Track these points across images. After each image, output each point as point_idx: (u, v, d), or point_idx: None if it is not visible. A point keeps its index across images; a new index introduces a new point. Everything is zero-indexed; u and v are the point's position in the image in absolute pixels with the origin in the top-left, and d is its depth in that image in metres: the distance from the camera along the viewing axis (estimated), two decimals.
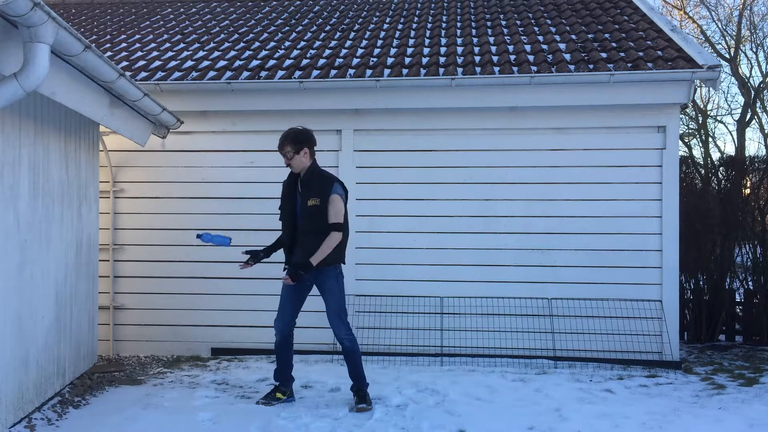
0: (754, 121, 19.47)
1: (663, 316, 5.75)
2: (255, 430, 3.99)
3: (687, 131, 19.55)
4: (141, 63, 6.57)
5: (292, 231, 4.37)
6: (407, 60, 6.32)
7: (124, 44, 7.40)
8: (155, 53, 6.95)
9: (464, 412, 4.35)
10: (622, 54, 6.08)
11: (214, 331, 6.07)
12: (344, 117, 6.03)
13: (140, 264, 6.11)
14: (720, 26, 20.42)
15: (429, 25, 7.73)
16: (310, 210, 4.27)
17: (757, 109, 19.20)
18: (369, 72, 6.03)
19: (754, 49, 19.77)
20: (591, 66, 5.80)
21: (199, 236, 4.62)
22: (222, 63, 6.45)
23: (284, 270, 4.48)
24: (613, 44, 6.41)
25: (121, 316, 6.09)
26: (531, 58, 6.16)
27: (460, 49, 6.60)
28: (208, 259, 6.06)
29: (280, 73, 6.08)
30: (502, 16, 7.89)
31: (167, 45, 7.27)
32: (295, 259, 4.35)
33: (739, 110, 19.58)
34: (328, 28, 7.83)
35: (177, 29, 8.04)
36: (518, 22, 7.56)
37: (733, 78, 19.67)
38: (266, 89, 5.93)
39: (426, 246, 5.97)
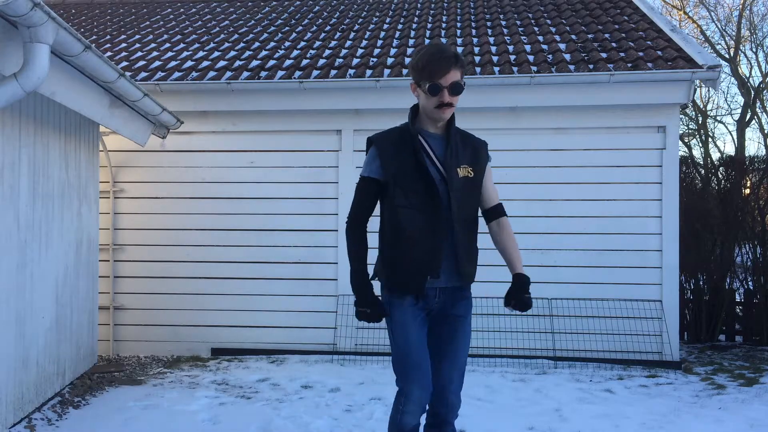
0: (753, 121, 19.47)
1: (663, 316, 5.75)
2: (255, 430, 3.98)
3: (687, 131, 19.55)
4: (141, 63, 6.58)
5: (435, 222, 2.50)
6: (407, 60, 6.32)
7: (124, 44, 7.40)
8: (155, 53, 6.95)
9: (464, 412, 4.33)
10: (622, 54, 6.08)
11: (214, 331, 6.07)
12: (344, 117, 6.03)
13: (140, 264, 6.11)
14: (719, 26, 20.43)
15: (429, 25, 7.73)
16: (463, 184, 2.56)
17: (757, 109, 19.20)
18: (369, 72, 6.03)
19: (754, 49, 19.79)
20: (591, 66, 5.80)
21: None
22: (222, 63, 6.45)
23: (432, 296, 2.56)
24: (613, 44, 6.41)
25: (121, 316, 6.09)
26: (531, 58, 6.16)
27: (460, 49, 6.60)
28: (208, 259, 6.06)
29: (280, 73, 6.08)
30: (502, 16, 7.90)
31: (167, 45, 7.27)
32: (460, 267, 2.55)
33: (739, 110, 19.58)
34: (328, 28, 7.83)
35: (177, 29, 8.04)
36: (518, 22, 7.56)
37: (732, 78, 19.68)
38: (266, 89, 5.93)
39: None
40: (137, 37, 7.73)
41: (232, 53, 6.82)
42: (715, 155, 20.95)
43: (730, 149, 22.33)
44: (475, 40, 6.93)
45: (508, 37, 6.98)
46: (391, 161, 2.52)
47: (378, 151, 2.54)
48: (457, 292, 2.59)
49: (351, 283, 2.55)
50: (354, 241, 2.58)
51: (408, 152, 2.52)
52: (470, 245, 2.62)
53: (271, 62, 6.45)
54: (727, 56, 19.34)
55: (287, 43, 7.14)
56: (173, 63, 6.53)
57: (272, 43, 7.19)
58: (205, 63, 6.45)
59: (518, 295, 2.51)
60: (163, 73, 6.20)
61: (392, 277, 2.56)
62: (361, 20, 8.17)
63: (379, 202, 2.64)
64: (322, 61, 6.39)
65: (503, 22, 7.61)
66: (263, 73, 6.09)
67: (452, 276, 2.56)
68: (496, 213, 2.69)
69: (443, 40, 6.99)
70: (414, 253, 2.51)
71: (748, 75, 20.35)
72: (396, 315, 2.55)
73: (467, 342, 2.62)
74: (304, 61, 6.38)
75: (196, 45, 7.21)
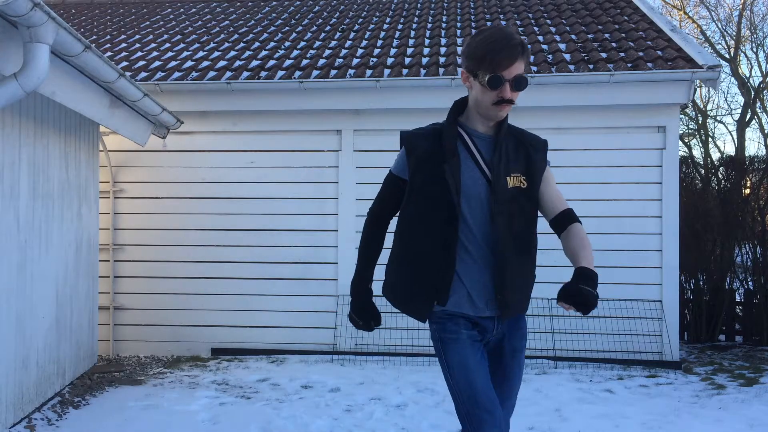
0: (753, 121, 19.48)
1: (663, 316, 5.75)
2: (255, 430, 3.98)
3: (687, 131, 19.56)
4: (141, 63, 6.58)
5: (449, 237, 2.11)
6: (407, 60, 6.32)
7: (124, 44, 7.40)
8: (155, 53, 6.95)
9: None
10: (622, 54, 6.08)
11: (214, 331, 6.07)
12: (344, 117, 6.03)
13: (140, 264, 6.11)
14: (720, 26, 20.45)
15: (429, 25, 7.73)
16: (513, 197, 2.15)
17: (757, 109, 19.20)
18: (369, 72, 6.03)
19: (754, 49, 19.79)
20: (591, 66, 5.80)
21: None
22: (222, 63, 6.45)
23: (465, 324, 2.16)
24: (613, 44, 6.41)
25: (121, 316, 6.09)
26: (531, 58, 6.16)
27: (459, 49, 6.60)
28: (208, 259, 6.06)
29: (280, 73, 6.08)
30: (502, 16, 7.90)
31: (167, 45, 7.27)
32: (504, 294, 2.14)
33: (739, 110, 19.59)
34: (328, 28, 7.83)
35: (177, 29, 8.04)
36: (518, 22, 7.56)
37: (732, 78, 19.69)
38: (266, 89, 5.93)
39: None
40: (137, 37, 7.73)
41: (232, 53, 6.82)
42: (715, 155, 20.98)
43: (730, 149, 22.35)
44: None
45: None
46: (418, 162, 2.15)
47: (407, 149, 2.20)
48: (513, 324, 2.25)
49: (351, 283, 2.32)
50: (365, 237, 2.33)
51: (440, 155, 2.12)
52: (522, 269, 2.18)
53: (271, 62, 6.45)
54: (727, 56, 19.34)
55: (287, 43, 7.14)
56: (173, 63, 6.53)
57: (272, 43, 7.19)
58: (205, 63, 6.45)
59: (574, 288, 2.05)
60: (163, 73, 6.20)
61: (392, 296, 2.27)
62: (361, 20, 8.18)
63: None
64: (322, 61, 6.39)
65: (503, 23, 7.61)
66: (263, 73, 6.09)
67: (495, 304, 2.16)
68: (564, 220, 2.21)
69: (443, 40, 6.99)
70: (419, 271, 2.17)
71: (748, 75, 20.38)
72: (452, 355, 2.14)
73: (521, 376, 2.32)
74: (304, 61, 6.38)
75: (196, 45, 7.21)
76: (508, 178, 2.13)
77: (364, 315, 2.27)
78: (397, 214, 2.31)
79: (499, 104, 2.11)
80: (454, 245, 2.11)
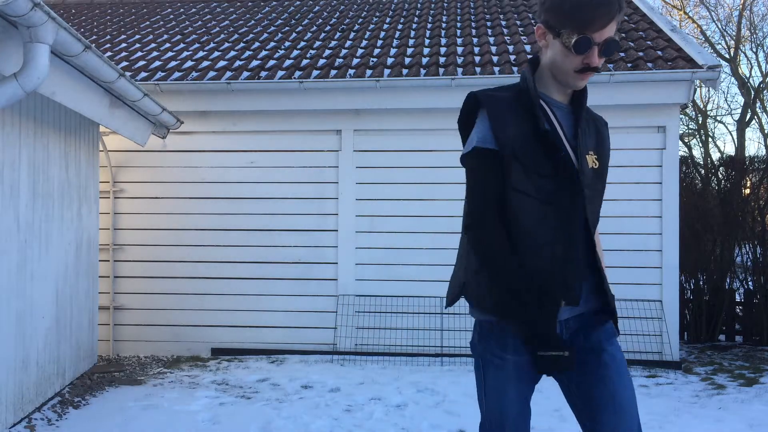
0: (753, 121, 19.48)
1: (663, 316, 5.75)
2: (255, 430, 3.98)
3: (687, 131, 19.56)
4: (141, 63, 6.58)
5: (570, 220, 1.76)
6: (407, 60, 6.32)
7: (124, 44, 7.40)
8: (155, 53, 6.95)
9: (464, 412, 4.35)
10: (622, 54, 6.08)
11: (214, 331, 6.07)
12: (344, 117, 6.03)
13: (140, 264, 6.11)
14: (720, 26, 20.44)
15: (429, 25, 7.73)
16: (592, 178, 1.83)
17: (757, 109, 19.20)
18: (369, 72, 6.03)
19: (754, 49, 19.80)
20: None
21: None
22: (222, 63, 6.45)
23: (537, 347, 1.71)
24: None
25: (121, 316, 6.09)
26: (531, 58, 6.16)
27: (460, 49, 6.60)
28: (208, 259, 6.06)
29: (280, 73, 6.08)
30: (502, 17, 7.90)
31: (167, 45, 7.27)
32: (604, 282, 1.83)
33: (739, 110, 19.59)
34: (328, 28, 7.83)
35: (177, 29, 8.04)
36: (518, 22, 7.56)
37: (732, 78, 19.69)
38: (266, 89, 5.93)
39: (426, 246, 5.97)
40: (137, 37, 7.73)
41: (232, 53, 6.82)
42: (715, 155, 21.01)
43: (730, 149, 22.36)
44: (475, 40, 6.93)
45: (508, 37, 6.98)
46: (507, 126, 1.72)
47: (488, 112, 1.74)
48: (590, 318, 1.81)
49: (518, 311, 1.70)
50: (498, 247, 1.71)
51: (528, 120, 1.73)
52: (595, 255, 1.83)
53: (271, 62, 6.45)
54: (727, 56, 19.34)
55: (287, 43, 7.14)
56: (173, 63, 6.53)
57: (272, 43, 7.19)
58: (205, 63, 6.45)
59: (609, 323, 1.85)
60: (163, 73, 6.20)
61: (489, 301, 1.76)
62: (361, 20, 8.18)
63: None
64: (322, 61, 6.39)
65: (503, 22, 7.61)
66: (263, 73, 6.09)
67: (589, 297, 1.80)
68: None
69: (443, 40, 6.99)
70: (538, 263, 1.71)
71: (748, 75, 20.43)
72: (491, 376, 1.80)
73: (628, 381, 1.76)
74: (304, 61, 6.38)
75: (196, 45, 7.21)
76: (587, 156, 1.81)
77: (572, 349, 1.69)
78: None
79: (583, 72, 1.72)
80: (579, 230, 1.75)
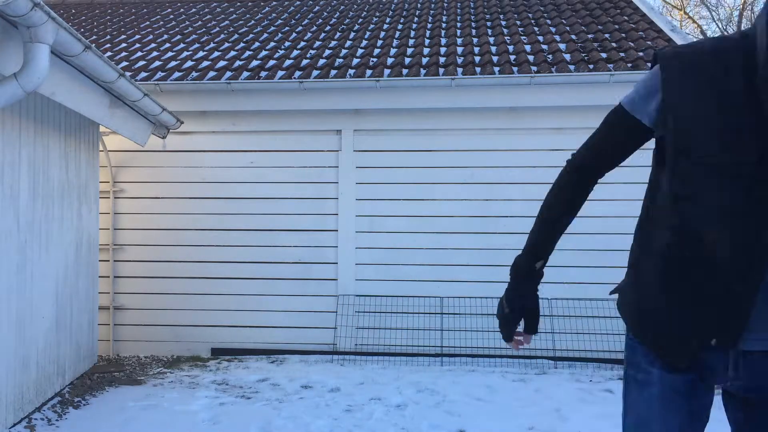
0: None
1: None
2: (255, 430, 3.99)
3: None
4: (141, 63, 6.58)
5: (757, 236, 1.30)
6: (407, 60, 6.33)
7: (124, 44, 7.40)
8: (155, 53, 6.95)
9: (464, 412, 4.35)
10: (622, 54, 6.08)
11: (214, 331, 6.07)
12: (344, 117, 6.03)
13: (140, 264, 6.11)
14: (720, 26, 20.45)
15: (429, 25, 7.74)
16: None
17: None
18: (369, 72, 6.03)
19: None
20: (591, 66, 5.80)
21: None
22: (222, 63, 6.45)
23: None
24: (613, 44, 6.41)
25: (121, 316, 6.09)
26: (531, 58, 6.16)
27: (460, 49, 6.60)
28: (208, 259, 6.06)
29: (280, 73, 6.09)
30: (502, 16, 7.90)
31: (167, 45, 7.27)
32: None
33: None
34: (328, 28, 7.83)
35: (177, 29, 8.05)
36: (518, 22, 7.56)
37: None
38: (266, 89, 5.93)
39: (426, 246, 5.97)
40: (137, 37, 7.73)
41: (232, 53, 6.82)
42: None
43: None
44: (475, 40, 6.93)
45: (508, 37, 6.98)
46: (685, 95, 1.33)
47: (665, 73, 1.37)
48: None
49: (514, 260, 1.67)
50: (555, 191, 1.65)
51: (733, 86, 1.28)
52: None
53: (271, 62, 6.45)
54: None
55: (287, 43, 7.15)
56: (173, 63, 6.53)
57: (272, 43, 7.19)
58: (205, 63, 6.45)
59: None
60: (163, 73, 6.20)
61: (635, 319, 1.53)
62: (361, 20, 8.18)
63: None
64: (322, 61, 6.39)
65: (503, 22, 7.61)
66: (263, 73, 6.10)
67: None
68: None
69: (443, 40, 7.00)
70: (704, 287, 1.36)
71: None
72: (632, 397, 1.53)
73: None
74: (304, 61, 6.38)
75: (196, 45, 7.22)
76: None
77: (517, 303, 1.62)
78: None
79: None
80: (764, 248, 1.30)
